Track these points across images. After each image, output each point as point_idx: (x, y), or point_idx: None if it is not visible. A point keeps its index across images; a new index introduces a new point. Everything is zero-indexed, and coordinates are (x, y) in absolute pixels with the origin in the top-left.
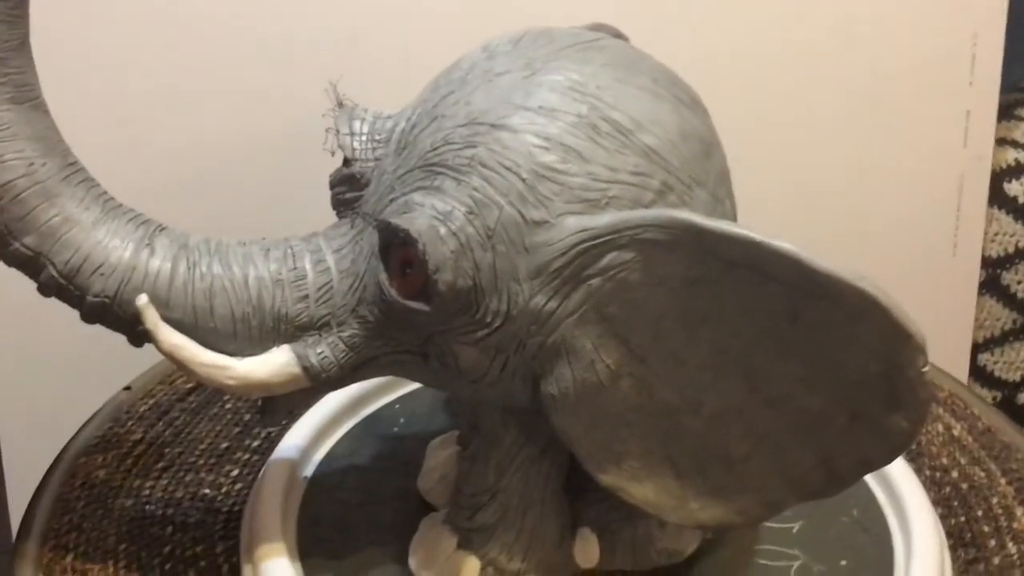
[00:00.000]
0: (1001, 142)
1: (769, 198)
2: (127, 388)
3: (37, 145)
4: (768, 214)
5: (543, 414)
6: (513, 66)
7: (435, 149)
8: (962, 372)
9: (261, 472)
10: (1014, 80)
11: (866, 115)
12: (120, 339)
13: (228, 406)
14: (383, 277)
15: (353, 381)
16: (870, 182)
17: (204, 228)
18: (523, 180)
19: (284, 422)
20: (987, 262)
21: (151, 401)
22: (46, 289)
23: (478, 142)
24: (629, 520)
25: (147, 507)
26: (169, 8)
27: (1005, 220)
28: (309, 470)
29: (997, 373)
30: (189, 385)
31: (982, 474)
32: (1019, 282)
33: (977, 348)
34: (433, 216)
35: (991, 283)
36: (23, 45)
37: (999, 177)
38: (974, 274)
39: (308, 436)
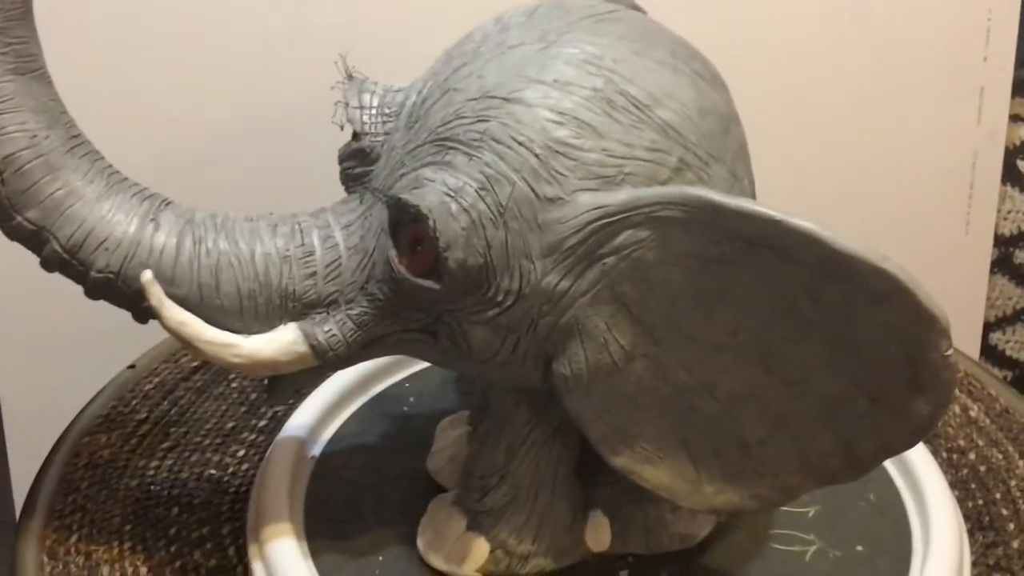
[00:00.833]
0: (1015, 119)
1: (781, 176)
2: (132, 366)
3: (40, 117)
4: (780, 192)
5: (555, 395)
6: (527, 38)
7: (446, 123)
8: (973, 351)
9: (268, 451)
10: None
11: (880, 92)
12: (125, 316)
13: (234, 385)
14: (392, 254)
15: (361, 360)
16: (883, 159)
17: (208, 203)
18: (536, 156)
19: (291, 401)
20: (999, 240)
21: (156, 380)
22: (49, 264)
23: (490, 116)
24: (641, 503)
25: (152, 487)
26: None
27: (1019, 198)
28: (316, 449)
29: (1009, 352)
30: (195, 364)
31: (1000, 456)
32: None
33: (989, 327)
34: (444, 192)
35: (1003, 262)
36: (26, 15)
37: (1013, 154)
38: (986, 252)
39: (315, 415)
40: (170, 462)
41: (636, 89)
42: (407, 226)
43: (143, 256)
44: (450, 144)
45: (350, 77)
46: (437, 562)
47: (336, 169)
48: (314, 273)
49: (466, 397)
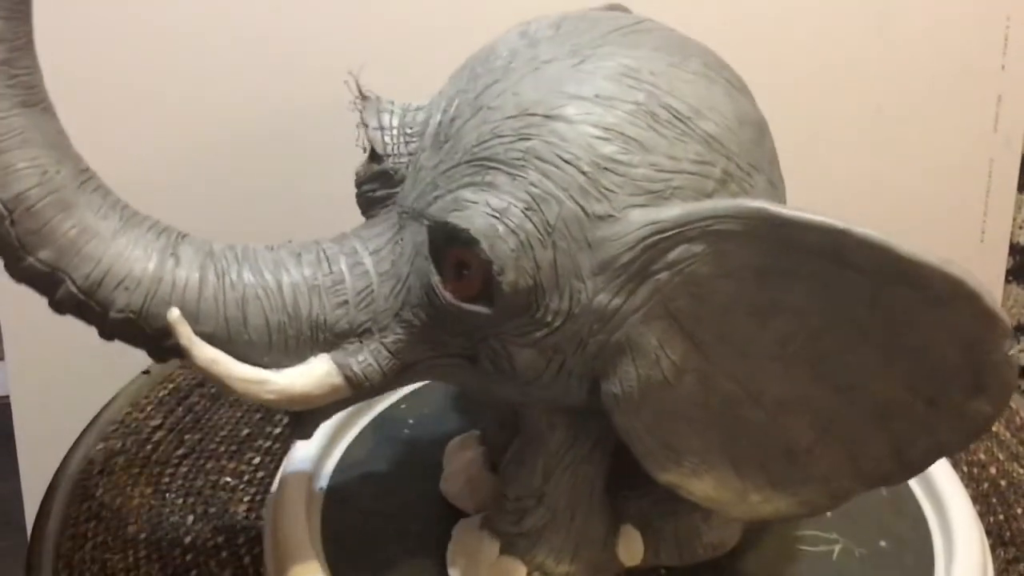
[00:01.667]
0: None
1: (798, 182)
2: (146, 372)
3: (50, 152)
4: (796, 198)
5: (599, 413)
6: (559, 53)
7: (483, 143)
8: None
9: (275, 487)
10: None
11: (897, 99)
12: None
13: None
14: (435, 280)
15: (393, 388)
16: (900, 166)
17: (210, 202)
18: (584, 173)
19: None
20: (1015, 249)
21: (171, 386)
22: (62, 306)
23: (532, 134)
24: (673, 515)
25: (167, 495)
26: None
27: None
28: (324, 481)
29: None
30: None
31: (1021, 470)
32: None
33: None
34: (488, 214)
35: (1019, 270)
36: (29, 43)
37: None
38: (1002, 261)
39: (317, 445)
40: (185, 469)
41: (677, 101)
42: (450, 250)
43: (165, 293)
44: (490, 164)
45: (363, 96)
46: None
47: (336, 171)
48: (345, 302)
49: (471, 416)
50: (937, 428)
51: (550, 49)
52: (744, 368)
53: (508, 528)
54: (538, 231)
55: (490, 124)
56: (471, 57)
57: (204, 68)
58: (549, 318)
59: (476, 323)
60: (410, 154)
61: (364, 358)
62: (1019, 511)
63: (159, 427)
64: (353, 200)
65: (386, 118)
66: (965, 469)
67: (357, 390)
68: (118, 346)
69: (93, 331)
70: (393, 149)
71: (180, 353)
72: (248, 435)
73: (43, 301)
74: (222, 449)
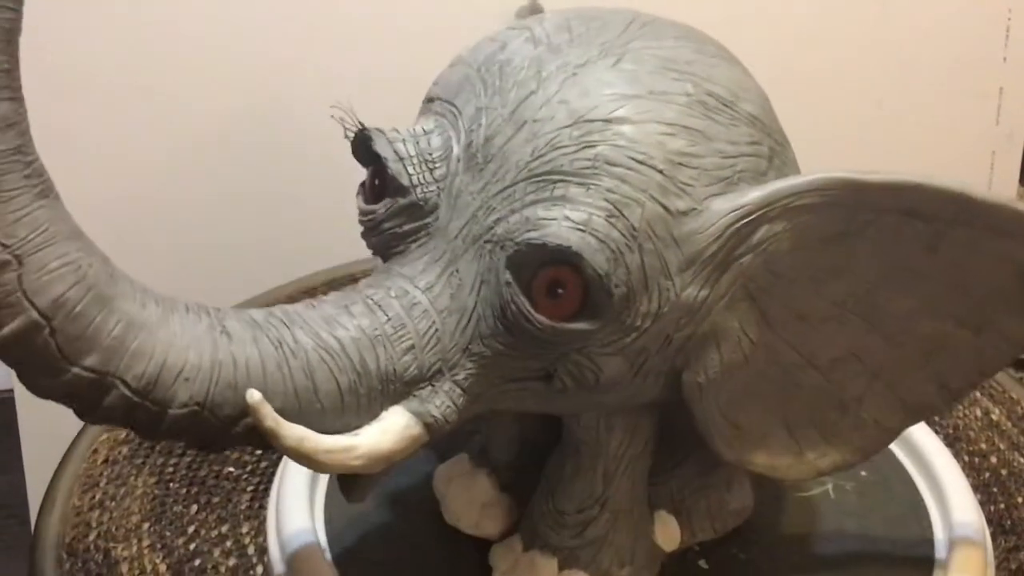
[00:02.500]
0: None
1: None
2: None
3: (76, 244)
4: None
5: (651, 406)
6: (589, 55)
7: (540, 156)
8: None
9: (278, 476)
10: None
11: (899, 92)
12: None
13: None
14: (524, 306)
15: (462, 425)
16: (901, 159)
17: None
18: (660, 171)
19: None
20: None
21: None
22: (112, 415)
23: (595, 140)
24: (704, 491)
25: (171, 485)
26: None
27: None
28: (322, 536)
29: None
30: None
31: (1022, 460)
32: None
33: None
34: (573, 228)
35: None
36: (27, 125)
37: None
38: None
39: (300, 503)
40: (188, 459)
41: (717, 87)
42: (541, 271)
43: (228, 376)
44: (555, 177)
45: (362, 129)
46: None
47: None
48: (412, 346)
49: (456, 439)
50: (982, 354)
51: (577, 52)
52: (802, 332)
53: (567, 542)
54: (624, 237)
55: (544, 137)
56: (469, 70)
57: (196, 72)
58: (639, 322)
59: (570, 342)
60: (437, 181)
61: (441, 401)
62: (1020, 500)
63: None
64: (344, 203)
65: (401, 148)
66: (966, 458)
67: (436, 436)
68: None
69: None
70: (419, 179)
71: (256, 439)
72: None
73: None
74: None
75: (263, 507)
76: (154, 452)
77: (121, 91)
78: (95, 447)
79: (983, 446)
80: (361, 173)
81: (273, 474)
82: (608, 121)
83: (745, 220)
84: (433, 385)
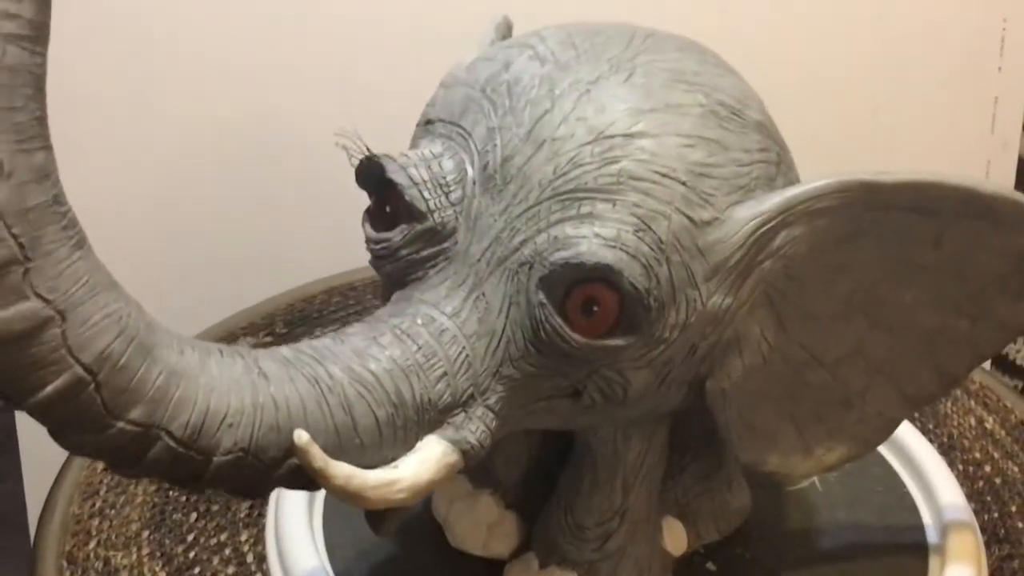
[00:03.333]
0: None
1: None
2: None
3: (114, 294)
4: None
5: (666, 414)
6: (600, 71)
7: (563, 175)
8: (985, 362)
9: None
10: None
11: (894, 100)
12: None
13: None
14: (558, 325)
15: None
16: (897, 167)
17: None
18: (683, 183)
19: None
20: None
21: None
22: (153, 468)
23: (618, 156)
24: (707, 494)
25: (170, 492)
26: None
27: None
28: (321, 546)
29: (1020, 362)
30: None
31: (1015, 468)
32: None
33: None
34: (604, 245)
35: None
36: (58, 174)
37: None
38: None
39: (300, 539)
40: None
41: (725, 96)
42: (576, 290)
43: (271, 418)
44: (581, 194)
45: (370, 154)
46: None
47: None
48: (444, 374)
49: None
50: (979, 341)
51: (587, 68)
52: (813, 332)
53: (588, 556)
54: (652, 250)
55: (566, 155)
56: (471, 90)
57: (193, 81)
58: (667, 333)
59: (603, 358)
60: (453, 205)
61: (476, 427)
62: (1013, 509)
63: None
64: (342, 212)
65: (415, 173)
66: (961, 468)
67: (471, 461)
68: None
69: None
70: (435, 204)
71: (299, 480)
72: None
73: None
74: None
75: (262, 515)
76: None
77: (119, 102)
78: None
79: (977, 455)
80: None
81: None
82: (628, 136)
83: (766, 227)
84: (466, 411)
